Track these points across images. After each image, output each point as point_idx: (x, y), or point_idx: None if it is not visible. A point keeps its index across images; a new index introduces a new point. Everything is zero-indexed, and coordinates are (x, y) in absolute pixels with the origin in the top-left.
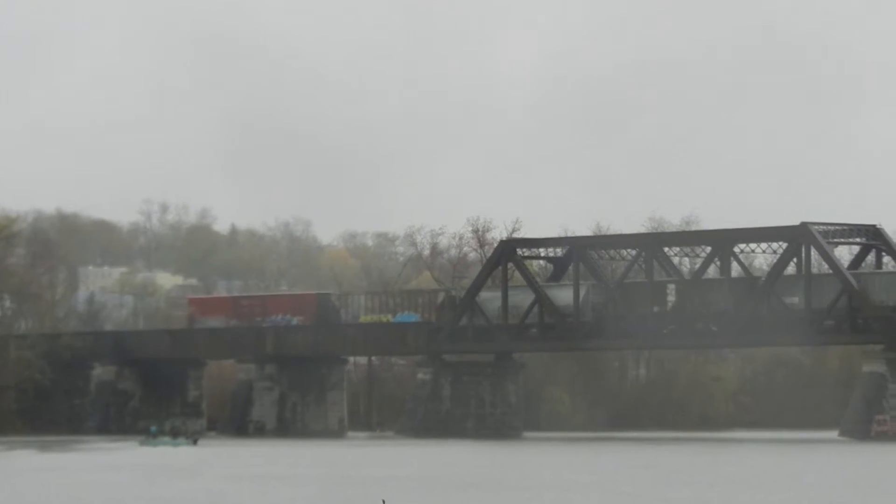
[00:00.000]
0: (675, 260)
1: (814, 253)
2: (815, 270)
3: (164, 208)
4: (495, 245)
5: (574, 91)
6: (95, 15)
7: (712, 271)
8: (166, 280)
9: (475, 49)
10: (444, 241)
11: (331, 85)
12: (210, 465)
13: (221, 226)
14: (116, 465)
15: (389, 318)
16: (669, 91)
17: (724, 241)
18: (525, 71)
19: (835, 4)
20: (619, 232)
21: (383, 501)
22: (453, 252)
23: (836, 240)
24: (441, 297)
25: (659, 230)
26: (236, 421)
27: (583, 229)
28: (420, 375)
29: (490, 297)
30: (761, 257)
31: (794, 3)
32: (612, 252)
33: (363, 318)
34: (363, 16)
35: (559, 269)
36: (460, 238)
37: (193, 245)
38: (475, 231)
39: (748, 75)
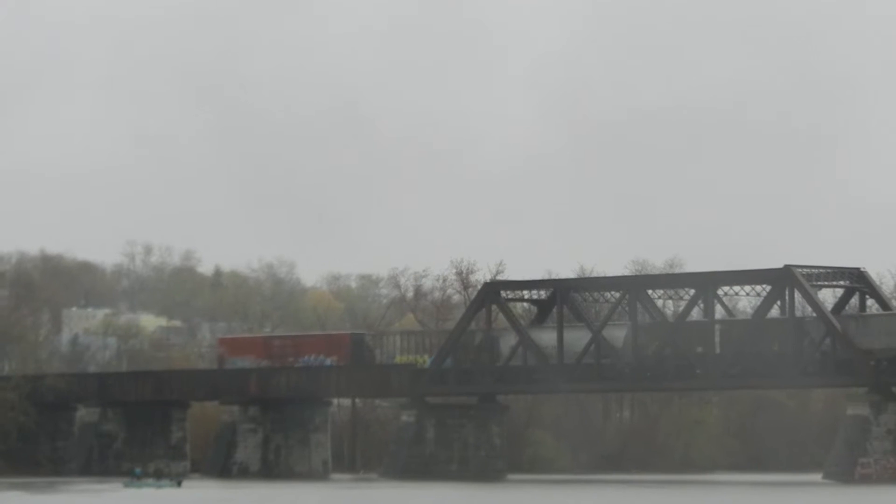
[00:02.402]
0: (659, 303)
1: (797, 296)
2: (798, 313)
3: (148, 250)
4: (479, 287)
5: (559, 134)
6: (79, 57)
7: (696, 314)
8: (150, 322)
9: (461, 92)
10: (427, 284)
11: (315, 126)
12: None
13: (205, 267)
14: None
15: (425, 358)
16: (653, 134)
17: (707, 284)
18: (511, 115)
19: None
20: (602, 274)
21: None
22: (437, 294)
23: (819, 283)
24: (479, 337)
25: (643, 273)
26: (220, 463)
27: (567, 272)
28: (404, 418)
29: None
30: (745, 300)
31: (776, 52)
32: (595, 294)
33: (398, 359)
34: (347, 56)
35: (543, 311)
36: (444, 280)
37: (177, 287)
38: (459, 273)
39: (732, 120)
